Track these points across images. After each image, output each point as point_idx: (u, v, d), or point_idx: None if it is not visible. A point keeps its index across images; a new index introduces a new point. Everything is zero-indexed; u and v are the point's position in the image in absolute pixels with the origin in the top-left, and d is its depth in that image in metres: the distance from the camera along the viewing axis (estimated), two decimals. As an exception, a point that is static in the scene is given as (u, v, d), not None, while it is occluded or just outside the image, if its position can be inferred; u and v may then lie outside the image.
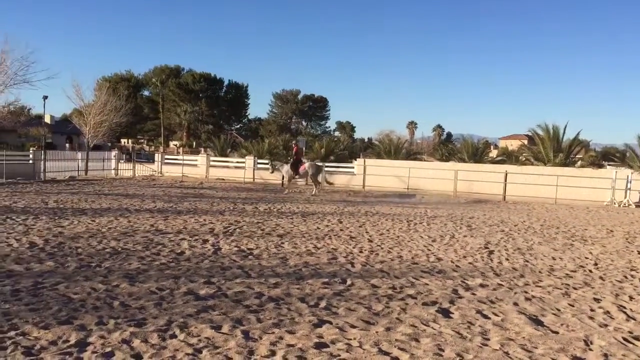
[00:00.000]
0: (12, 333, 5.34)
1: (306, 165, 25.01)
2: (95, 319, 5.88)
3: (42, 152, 30.55)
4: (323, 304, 6.87)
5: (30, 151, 32.42)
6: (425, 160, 41.03)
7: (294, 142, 28.55)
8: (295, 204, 19.73)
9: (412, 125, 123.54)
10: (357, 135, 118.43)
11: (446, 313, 6.72)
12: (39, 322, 5.70)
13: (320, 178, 26.01)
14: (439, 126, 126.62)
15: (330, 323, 6.12)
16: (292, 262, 9.33)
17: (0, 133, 42.28)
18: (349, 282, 8.10)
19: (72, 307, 6.24)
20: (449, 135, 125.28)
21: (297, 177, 25.55)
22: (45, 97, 40.55)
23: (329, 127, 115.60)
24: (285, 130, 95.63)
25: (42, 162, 28.26)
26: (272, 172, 25.98)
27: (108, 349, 5.06)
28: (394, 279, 8.39)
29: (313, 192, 24.40)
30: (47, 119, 69.39)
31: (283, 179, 25.85)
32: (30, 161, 29.38)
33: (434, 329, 6.08)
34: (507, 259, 10.48)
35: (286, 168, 24.90)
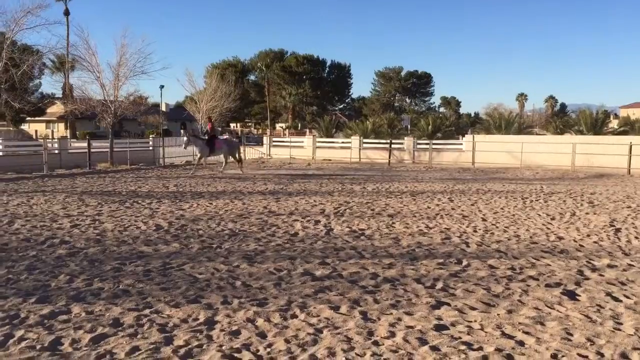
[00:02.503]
0: (147, 311, 5.73)
1: (222, 141, 23.33)
2: (220, 298, 6.16)
3: (161, 139, 32.40)
4: (440, 285, 6.76)
5: (150, 138, 34.51)
6: (538, 134, 39.15)
7: (208, 116, 26.10)
8: (403, 182, 19.56)
9: (522, 98, 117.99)
10: (463, 111, 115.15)
11: (572, 295, 6.38)
12: (170, 300, 6.06)
13: (238, 155, 24.04)
14: (552, 97, 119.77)
15: (449, 305, 6.01)
16: (405, 243, 9.27)
17: (122, 122, 45.27)
18: (464, 262, 7.91)
19: (198, 287, 6.59)
20: (563, 106, 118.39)
21: (212, 154, 23.23)
22: (161, 87, 43.07)
23: (434, 103, 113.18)
24: (388, 108, 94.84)
25: (160, 149, 29.99)
26: (186, 147, 23.32)
27: (234, 328, 5.29)
28: (513, 260, 8.10)
29: (222, 169, 23.05)
30: (163, 107, 73.41)
31: (199, 157, 23.06)
32: (150, 148, 31.29)
33: (560, 312, 5.80)
34: (636, 237, 9.77)
35: (201, 144, 22.29)
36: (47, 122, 68.93)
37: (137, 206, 13.18)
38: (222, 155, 23.50)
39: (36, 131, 64.02)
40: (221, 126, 54.28)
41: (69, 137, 49.37)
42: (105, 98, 27.42)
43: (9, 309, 5.71)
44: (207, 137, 22.54)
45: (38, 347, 4.79)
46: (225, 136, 26.28)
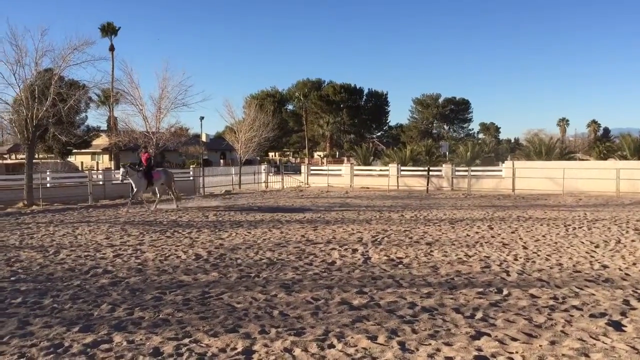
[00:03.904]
0: (186, 340, 5.80)
1: (160, 172, 21.12)
2: (258, 327, 6.19)
3: (201, 169, 32.99)
4: (479, 314, 6.65)
5: (190, 168, 35.17)
6: (580, 160, 38.34)
7: (141, 148, 23.27)
8: (441, 210, 19.37)
9: (563, 122, 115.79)
10: (502, 137, 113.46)
11: (618, 326, 6.18)
12: (209, 330, 6.12)
13: (173, 186, 21.58)
14: (594, 121, 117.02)
15: (489, 335, 5.90)
16: (444, 271, 9.16)
17: (164, 153, 46.30)
18: (505, 291, 7.76)
19: (236, 316, 6.64)
20: (606, 130, 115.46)
21: (149, 187, 20.51)
22: (201, 118, 44.10)
23: (472, 129, 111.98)
24: (426, 135, 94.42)
25: (201, 178, 30.51)
26: (123, 180, 20.51)
27: (272, 357, 5.31)
28: (555, 289, 7.90)
29: (175, 204, 20.90)
30: (203, 137, 74.79)
31: (136, 192, 19.99)
32: (191, 177, 31.86)
33: (605, 344, 5.62)
34: (686, 266, 9.42)
35: (137, 177, 19.67)
36: (93, 154, 70.95)
37: (177, 235, 13.40)
38: (157, 188, 20.97)
39: (82, 163, 65.98)
40: (260, 156, 54.88)
41: (113, 168, 50.69)
42: (147, 130, 28.18)
43: (54, 338, 5.86)
44: (141, 170, 19.98)
45: (81, 375, 4.89)
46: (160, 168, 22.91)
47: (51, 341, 5.76)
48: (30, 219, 17.37)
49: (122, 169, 20.28)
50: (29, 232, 14.14)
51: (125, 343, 5.71)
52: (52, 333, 6.02)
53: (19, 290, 8.00)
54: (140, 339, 5.82)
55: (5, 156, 70.02)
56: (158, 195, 21.22)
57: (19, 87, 22.12)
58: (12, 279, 8.74)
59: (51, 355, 5.36)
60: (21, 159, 55.61)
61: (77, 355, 5.37)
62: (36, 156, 23.95)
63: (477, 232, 13.70)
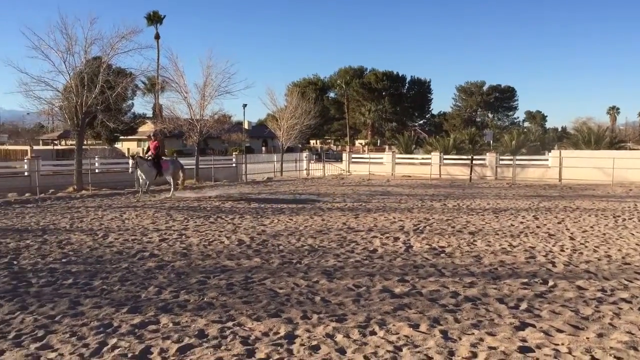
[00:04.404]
0: (230, 324, 5.91)
1: (168, 162, 20.30)
2: (300, 313, 6.26)
3: (243, 156, 33.35)
4: (524, 305, 6.55)
5: (233, 155, 35.60)
6: (631, 149, 37.13)
7: (151, 134, 20.85)
8: (485, 199, 19.09)
9: (613, 111, 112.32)
10: (549, 125, 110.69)
11: (669, 321, 6.00)
12: (252, 314, 6.22)
13: (181, 176, 20.63)
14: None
15: (534, 326, 5.81)
16: (487, 261, 9.05)
17: (207, 140, 46.96)
18: (550, 283, 7.62)
19: (279, 301, 6.72)
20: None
21: (159, 176, 19.48)
22: (244, 105, 44.30)
23: (517, 117, 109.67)
24: (470, 123, 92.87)
25: (243, 166, 30.85)
26: (132, 171, 19.35)
27: (314, 343, 5.36)
28: (603, 281, 7.72)
29: (170, 195, 19.80)
30: (246, 125, 75.48)
31: (141, 181, 19.10)
32: (233, 164, 32.26)
33: (656, 338, 5.47)
34: None
35: (146, 167, 18.75)
36: (139, 140, 72.46)
37: (220, 221, 13.61)
38: (168, 177, 19.98)
39: (128, 149, 67.51)
40: (301, 143, 55.07)
41: (157, 154, 51.71)
42: (191, 117, 28.59)
43: (103, 318, 6.06)
44: (151, 159, 19.05)
45: (129, 355, 5.05)
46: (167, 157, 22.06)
47: (101, 321, 5.96)
48: (80, 203, 17.92)
49: (131, 160, 19.40)
50: (78, 216, 14.59)
51: (171, 325, 5.86)
52: (102, 313, 6.22)
53: (70, 271, 8.28)
54: (186, 321, 5.96)
55: (56, 142, 72.32)
56: (172, 184, 20.05)
57: (69, 74, 22.73)
58: (64, 260, 9.06)
59: (101, 335, 5.54)
60: (71, 145, 57.32)
61: (125, 335, 5.54)
62: (85, 142, 24.39)
63: (521, 222, 13.46)
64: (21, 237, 11.31)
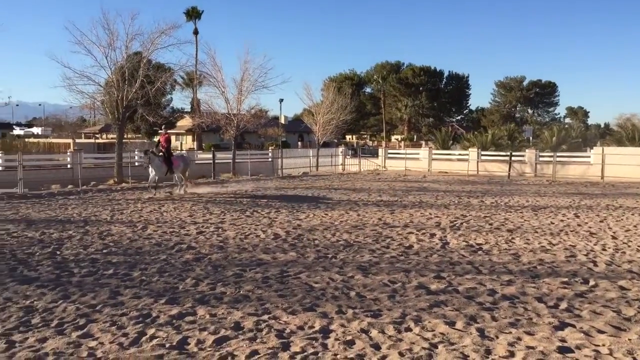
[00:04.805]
0: (266, 317, 5.95)
1: (178, 158, 19.41)
2: (335, 307, 6.26)
3: (279, 150, 33.53)
4: (563, 305, 6.42)
5: (269, 150, 35.82)
6: (678, 146, 35.87)
7: (162, 130, 19.52)
8: (524, 196, 18.75)
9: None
10: (591, 122, 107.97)
11: None
12: (287, 307, 6.26)
13: (187, 173, 19.78)
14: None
15: (574, 326, 5.69)
16: (526, 259, 8.89)
17: (244, 134, 47.41)
18: (591, 282, 7.45)
19: (314, 295, 6.74)
20: None
21: (169, 173, 18.83)
22: (281, 100, 44.48)
23: (559, 113, 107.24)
24: (509, 119, 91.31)
25: (279, 160, 31.02)
26: (146, 167, 18.33)
27: (349, 337, 5.36)
28: (647, 282, 7.49)
29: (182, 191, 19.14)
30: (282, 120, 75.86)
31: (156, 177, 18.31)
32: (270, 159, 32.46)
33: (703, 342, 5.29)
34: None
35: (158, 163, 17.96)
36: (177, 134, 73.63)
37: (256, 215, 13.72)
38: (178, 174, 19.34)
39: (167, 143, 68.59)
40: (337, 138, 55.00)
41: (195, 148, 52.44)
42: (229, 112, 28.88)
43: (142, 308, 6.18)
44: (161, 154, 18.24)
45: (167, 345, 5.14)
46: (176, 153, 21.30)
47: (140, 311, 6.08)
48: (120, 196, 18.30)
49: (144, 155, 18.55)
50: (119, 208, 14.91)
51: (208, 316, 5.93)
52: (141, 304, 6.35)
53: (110, 262, 8.47)
54: (222, 313, 6.03)
55: (97, 136, 74.00)
56: (182, 180, 19.44)
57: (110, 69, 23.24)
58: (105, 251, 9.27)
59: (140, 325, 5.65)
60: (112, 138, 58.57)
61: (163, 326, 5.64)
62: (125, 136, 24.80)
63: (562, 220, 13.18)
64: (64, 228, 11.62)
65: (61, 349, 5.02)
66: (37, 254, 9.03)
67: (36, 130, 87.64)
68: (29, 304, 6.34)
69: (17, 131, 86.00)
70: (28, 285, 7.11)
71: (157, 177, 18.40)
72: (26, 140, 55.11)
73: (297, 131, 79.03)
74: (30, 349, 5.01)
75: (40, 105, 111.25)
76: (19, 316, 5.90)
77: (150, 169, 18.08)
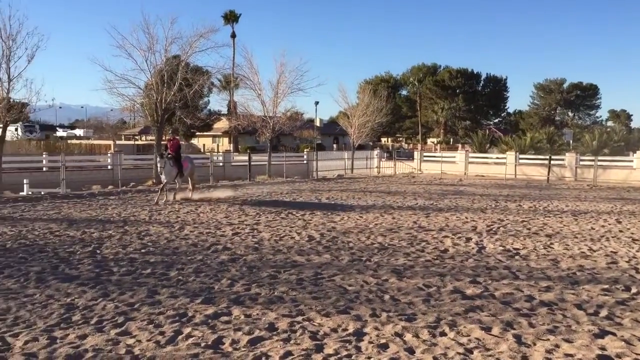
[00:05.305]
0: (300, 318, 5.98)
1: (187, 161, 18.20)
2: (369, 310, 6.25)
3: (314, 153, 33.61)
4: (604, 312, 6.26)
5: (304, 152, 35.95)
6: None
7: (169, 134, 18.46)
8: (563, 201, 18.37)
9: None
10: (634, 125, 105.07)
11: None
12: (321, 309, 6.27)
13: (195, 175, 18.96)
14: None
15: (614, 334, 5.55)
16: (565, 265, 8.71)
17: (279, 136, 47.68)
18: (634, 290, 7.25)
19: (348, 298, 6.73)
20: None
21: (180, 177, 17.67)
22: (316, 103, 44.61)
23: (600, 117, 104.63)
24: (548, 122, 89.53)
25: (314, 162, 31.09)
26: (161, 170, 16.94)
27: (383, 341, 5.34)
28: (693, 290, 7.25)
29: (191, 196, 18.02)
30: (317, 122, 75.94)
31: (166, 182, 17.09)
32: (305, 161, 32.57)
33: None
34: None
35: (169, 167, 16.88)
36: (214, 136, 74.49)
37: (291, 217, 13.78)
38: (188, 178, 18.35)
39: (204, 145, 69.58)
40: (372, 141, 54.81)
41: (232, 150, 52.99)
42: (265, 114, 29.11)
43: (179, 308, 6.28)
44: (170, 158, 17.01)
45: (202, 344, 5.21)
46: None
47: (176, 310, 6.18)
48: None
49: (159, 158, 17.18)
50: (157, 209, 15.17)
51: (243, 317, 5.99)
52: (178, 303, 6.45)
53: (148, 261, 8.63)
54: (257, 314, 6.08)
55: (137, 137, 75.43)
56: (191, 184, 18.52)
57: (150, 72, 23.71)
58: (143, 251, 9.45)
59: (176, 324, 5.74)
60: (150, 140, 59.61)
61: (199, 325, 5.71)
62: (163, 138, 25.47)
63: (603, 226, 12.87)
64: (104, 227, 11.88)
65: (100, 346, 5.13)
66: (78, 252, 9.26)
67: (78, 132, 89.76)
68: (70, 301, 6.50)
69: (60, 133, 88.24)
70: (69, 283, 7.30)
71: (166, 182, 17.09)
72: (69, 141, 56.65)
73: (332, 133, 79.03)
74: (71, 345, 5.14)
75: (82, 107, 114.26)
76: (60, 313, 6.06)
77: (162, 175, 16.92)
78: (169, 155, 17.08)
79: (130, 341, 5.27)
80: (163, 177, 17.01)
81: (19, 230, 11.41)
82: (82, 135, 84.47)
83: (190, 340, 5.29)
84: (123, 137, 77.90)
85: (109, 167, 25.19)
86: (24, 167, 23.68)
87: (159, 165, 16.99)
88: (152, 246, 9.86)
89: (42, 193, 18.75)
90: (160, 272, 7.95)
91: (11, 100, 18.93)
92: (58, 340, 5.27)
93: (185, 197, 17.95)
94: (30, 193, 18.88)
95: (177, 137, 20.14)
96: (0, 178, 18.31)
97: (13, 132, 53.56)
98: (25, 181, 19.85)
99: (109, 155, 27.16)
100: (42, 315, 6.00)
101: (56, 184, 19.95)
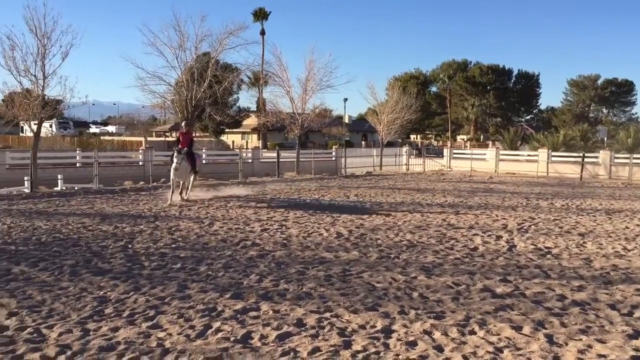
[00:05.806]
0: (328, 314, 5.99)
1: (195, 155, 16.52)
2: (397, 307, 6.22)
3: (343, 149, 33.58)
4: (638, 313, 6.13)
5: (333, 149, 35.95)
6: None
7: (182, 123, 16.98)
8: (597, 199, 18.01)
9: None
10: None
11: None
12: (349, 306, 6.27)
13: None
14: None
15: (649, 336, 5.43)
16: (598, 264, 8.54)
17: (308, 133, 47.78)
18: (670, 291, 7.07)
19: (376, 295, 6.72)
20: None
21: (192, 173, 16.07)
22: (345, 100, 44.54)
23: (636, 113, 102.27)
24: (582, 119, 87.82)
25: (343, 159, 31.07)
26: (177, 167, 15.08)
27: (411, 338, 5.31)
28: None
29: (187, 194, 16.43)
30: (346, 119, 75.89)
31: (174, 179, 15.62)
32: (333, 158, 32.56)
33: None
34: None
35: (184, 166, 15.40)
36: (243, 133, 75.03)
37: (319, 214, 13.79)
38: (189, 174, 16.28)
39: (233, 142, 70.15)
40: (401, 138, 54.51)
41: (260, 147, 53.32)
42: (293, 111, 29.18)
43: (208, 302, 6.35)
44: (181, 152, 15.37)
45: (232, 339, 5.25)
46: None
47: (206, 305, 6.25)
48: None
49: (177, 154, 15.27)
50: (186, 204, 15.33)
51: (271, 312, 6.03)
52: (207, 298, 6.52)
53: (178, 256, 8.74)
54: (285, 310, 6.11)
55: (167, 134, 76.37)
56: (191, 180, 16.59)
57: (180, 70, 24.04)
58: (173, 246, 9.57)
59: (206, 318, 5.81)
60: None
61: (228, 320, 5.77)
62: (194, 134, 25.71)
63: (638, 225, 12.58)
64: (135, 222, 12.07)
65: (132, 339, 5.22)
66: (111, 247, 9.43)
67: (111, 128, 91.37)
68: (103, 294, 6.63)
69: (93, 129, 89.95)
70: (102, 276, 7.44)
71: (179, 179, 15.82)
72: (101, 138, 57.67)
73: (360, 130, 78.85)
74: (103, 338, 5.24)
75: (114, 104, 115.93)
76: (93, 306, 6.18)
77: (175, 173, 15.29)
78: (185, 151, 15.47)
79: (161, 334, 5.35)
80: (173, 176, 15.38)
81: (54, 224, 11.67)
82: (114, 131, 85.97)
83: (219, 335, 5.34)
84: (154, 134, 79.03)
85: (141, 163, 25.57)
86: (58, 163, 24.21)
87: (175, 161, 15.11)
88: (182, 241, 9.99)
89: (76, 188, 19.15)
90: (190, 266, 8.05)
91: (46, 97, 19.34)
92: (91, 332, 5.37)
93: (183, 197, 16.24)
94: (64, 188, 19.32)
95: (190, 128, 18.03)
96: (35, 173, 18.74)
97: (48, 128, 54.83)
98: (59, 176, 20.34)
99: (140, 151, 27.60)
100: (76, 307, 6.12)
101: (89, 180, 20.35)
